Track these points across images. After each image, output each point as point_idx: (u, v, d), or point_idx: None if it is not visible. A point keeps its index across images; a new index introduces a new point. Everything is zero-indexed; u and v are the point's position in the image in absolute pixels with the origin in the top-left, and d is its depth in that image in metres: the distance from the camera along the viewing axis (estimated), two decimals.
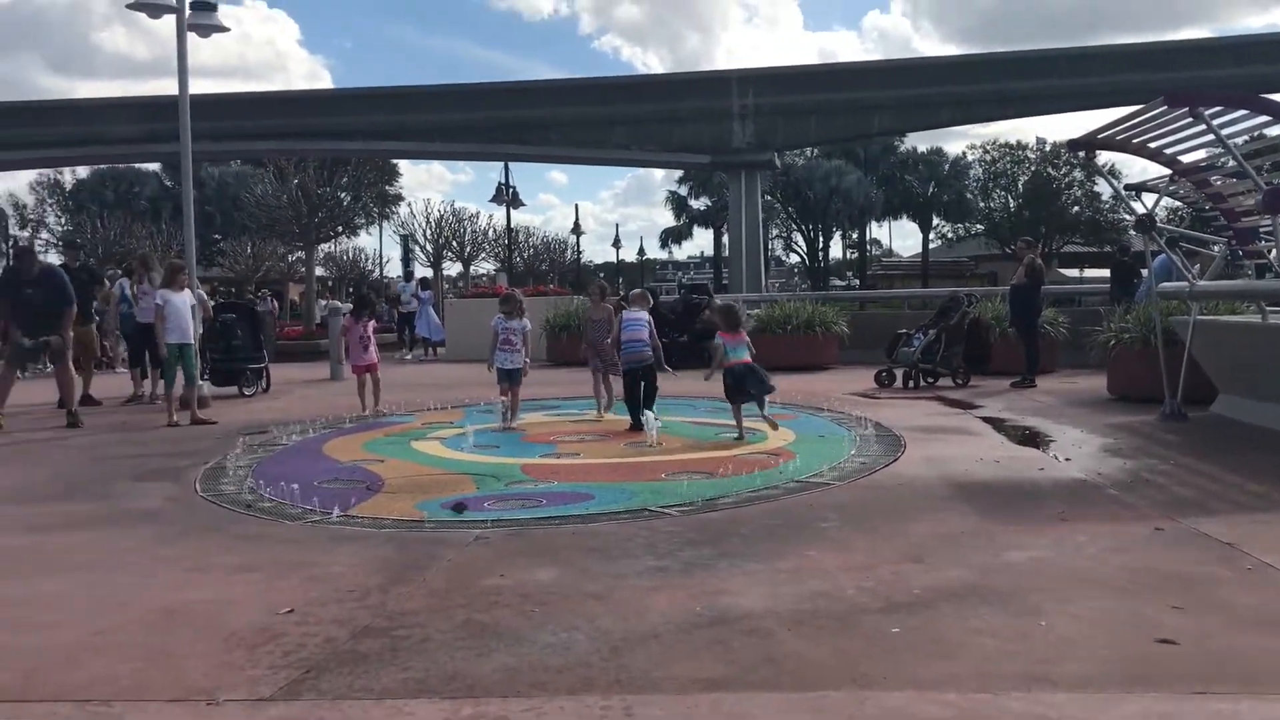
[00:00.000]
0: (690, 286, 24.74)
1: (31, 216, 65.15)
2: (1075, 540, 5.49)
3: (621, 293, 19.25)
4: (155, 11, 12.93)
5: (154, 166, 65.86)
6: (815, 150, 65.20)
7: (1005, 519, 6.08)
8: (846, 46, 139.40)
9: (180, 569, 5.41)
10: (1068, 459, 8.08)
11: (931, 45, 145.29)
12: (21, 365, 12.06)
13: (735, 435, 9.27)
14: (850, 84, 44.37)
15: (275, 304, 28.16)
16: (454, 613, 4.46)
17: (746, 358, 9.45)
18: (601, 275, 62.39)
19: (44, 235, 60.03)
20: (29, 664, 3.96)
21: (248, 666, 3.88)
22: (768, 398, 9.53)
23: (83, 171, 65.55)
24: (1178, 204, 13.56)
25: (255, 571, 5.29)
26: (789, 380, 14.21)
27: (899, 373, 13.88)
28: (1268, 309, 10.08)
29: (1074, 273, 54.95)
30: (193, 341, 11.62)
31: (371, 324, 12.78)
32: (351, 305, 16.57)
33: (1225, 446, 8.67)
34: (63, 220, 62.54)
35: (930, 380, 13.83)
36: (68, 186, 68.10)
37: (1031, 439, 9.27)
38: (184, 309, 11.46)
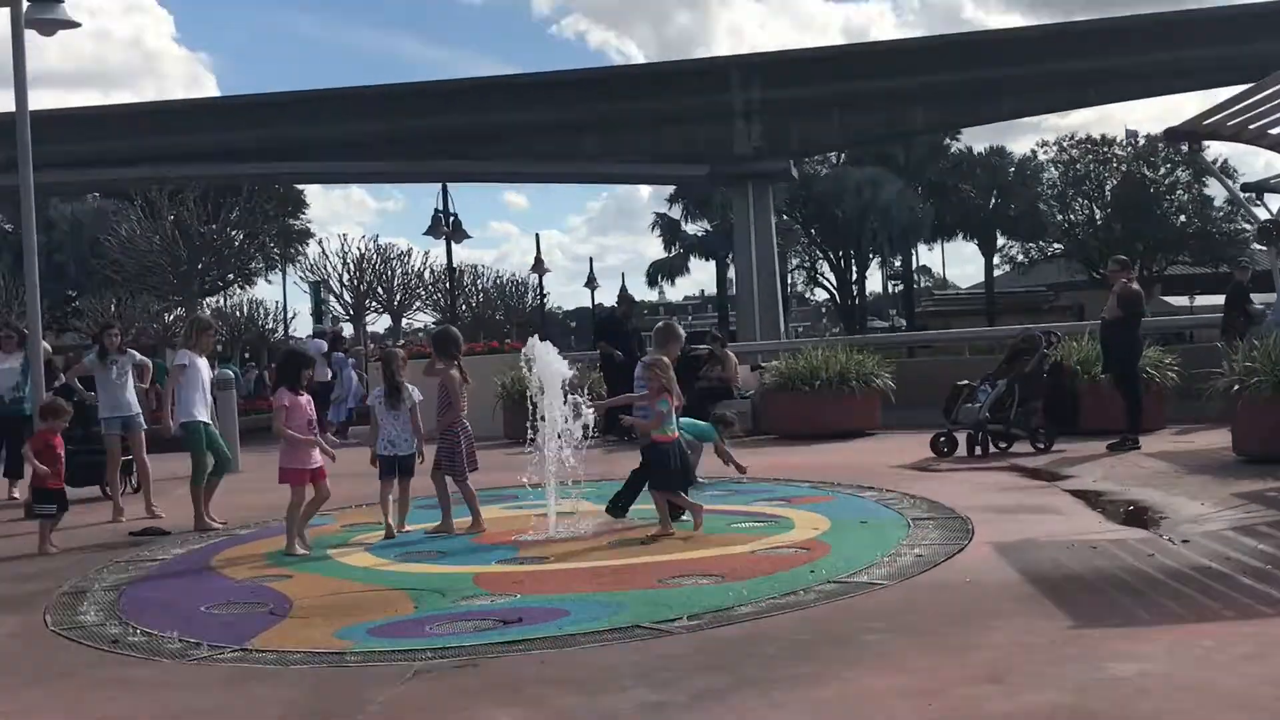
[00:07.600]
0: (688, 334, 24.81)
1: None
2: (1200, 646, 5.45)
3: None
4: None
5: None
6: (842, 156, 65.78)
7: (1107, 622, 6.05)
8: (880, 21, 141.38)
9: None
10: (1185, 541, 8.04)
11: (989, 16, 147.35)
12: None
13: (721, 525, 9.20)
14: (884, 69, 44.65)
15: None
16: None
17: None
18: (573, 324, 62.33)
19: None
20: None
21: None
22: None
23: None
24: None
25: None
26: (820, 452, 14.24)
27: (961, 437, 13.86)
28: None
29: (1183, 300, 55.33)
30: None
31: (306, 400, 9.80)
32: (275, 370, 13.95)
33: None
34: None
35: (1002, 445, 13.82)
36: None
37: (1137, 517, 9.24)
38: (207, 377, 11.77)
